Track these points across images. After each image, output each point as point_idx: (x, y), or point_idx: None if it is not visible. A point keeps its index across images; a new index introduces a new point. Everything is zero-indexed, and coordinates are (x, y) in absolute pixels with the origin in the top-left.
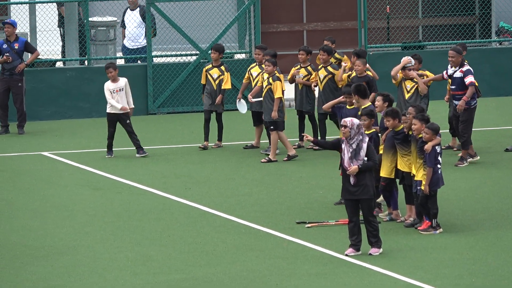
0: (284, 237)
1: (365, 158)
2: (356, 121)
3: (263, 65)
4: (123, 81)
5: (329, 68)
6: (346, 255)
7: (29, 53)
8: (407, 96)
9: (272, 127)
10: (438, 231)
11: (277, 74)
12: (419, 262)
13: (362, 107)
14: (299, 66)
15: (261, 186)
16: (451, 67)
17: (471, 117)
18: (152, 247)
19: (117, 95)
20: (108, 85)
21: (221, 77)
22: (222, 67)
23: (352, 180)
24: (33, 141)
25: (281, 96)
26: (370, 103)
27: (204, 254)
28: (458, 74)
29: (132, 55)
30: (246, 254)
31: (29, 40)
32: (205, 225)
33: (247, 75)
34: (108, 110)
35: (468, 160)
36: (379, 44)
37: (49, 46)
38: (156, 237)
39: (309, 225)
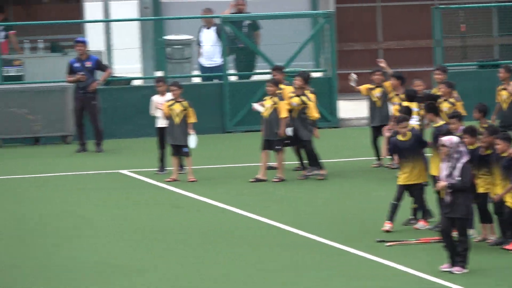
0: (364, 256)
1: (459, 178)
2: (455, 139)
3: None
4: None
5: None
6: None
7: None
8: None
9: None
10: None
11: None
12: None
13: (435, 125)
14: (374, 87)
15: (340, 204)
16: None
17: None
18: (231, 266)
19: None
20: (157, 99)
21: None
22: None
23: (447, 198)
24: (111, 159)
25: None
26: (443, 122)
27: (283, 272)
28: None
29: (209, 73)
30: (326, 273)
31: (104, 59)
32: (283, 243)
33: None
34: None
35: None
36: (455, 63)
37: (125, 64)
38: (234, 255)
39: (389, 243)
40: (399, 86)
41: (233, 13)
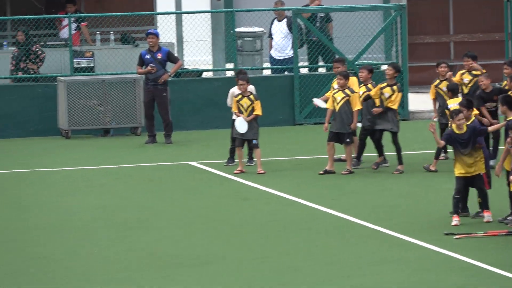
0: (432, 248)
1: None
2: None
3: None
4: (250, 89)
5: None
6: None
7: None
8: None
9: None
10: None
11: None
12: None
13: (509, 118)
14: (438, 81)
15: (408, 197)
16: None
17: None
18: (298, 257)
19: None
20: (234, 91)
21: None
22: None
23: None
24: (180, 151)
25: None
26: None
27: (348, 264)
28: None
29: (279, 66)
30: (393, 265)
31: (175, 50)
32: (352, 235)
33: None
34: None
35: None
36: None
37: (196, 56)
38: (302, 247)
39: (457, 236)
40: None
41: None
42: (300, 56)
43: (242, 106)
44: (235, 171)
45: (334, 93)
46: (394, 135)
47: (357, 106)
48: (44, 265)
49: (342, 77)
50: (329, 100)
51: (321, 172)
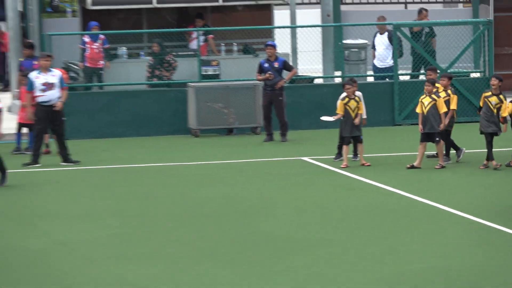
0: None
1: None
2: None
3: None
4: (358, 94)
5: None
6: None
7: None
8: None
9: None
10: None
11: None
12: None
13: None
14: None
15: (494, 189)
16: None
17: None
18: (397, 240)
19: None
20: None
21: (498, 105)
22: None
23: None
24: (294, 148)
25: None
26: None
27: (441, 246)
28: None
29: (381, 74)
30: (479, 249)
31: (290, 60)
32: (443, 221)
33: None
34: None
35: None
36: None
37: (308, 65)
38: (400, 232)
39: None
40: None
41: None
42: (400, 65)
43: (350, 107)
44: (342, 165)
45: (422, 99)
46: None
47: (443, 109)
48: (177, 247)
49: (429, 84)
50: (418, 105)
51: (408, 166)
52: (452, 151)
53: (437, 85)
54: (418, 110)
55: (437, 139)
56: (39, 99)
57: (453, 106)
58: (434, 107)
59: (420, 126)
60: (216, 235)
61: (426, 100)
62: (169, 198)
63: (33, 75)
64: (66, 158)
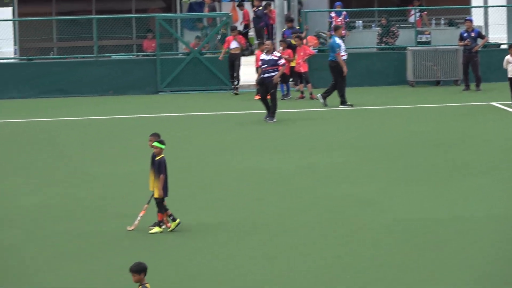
0: None
1: None
2: None
3: None
4: None
5: None
6: None
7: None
8: None
9: None
10: None
11: None
12: None
13: None
14: None
15: None
16: None
17: None
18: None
19: None
20: (508, 58)
21: None
22: None
23: None
24: (485, 96)
25: None
26: None
27: None
28: None
29: None
30: None
31: (483, 30)
32: None
33: None
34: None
35: None
36: None
37: (497, 34)
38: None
39: None
40: None
41: None
42: None
43: None
44: None
45: None
46: None
47: None
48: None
49: None
50: None
51: None
52: None
53: None
54: None
55: None
56: (344, 58)
57: None
58: None
59: None
60: (425, 162)
61: None
62: (389, 132)
63: (338, 40)
64: (342, 101)
